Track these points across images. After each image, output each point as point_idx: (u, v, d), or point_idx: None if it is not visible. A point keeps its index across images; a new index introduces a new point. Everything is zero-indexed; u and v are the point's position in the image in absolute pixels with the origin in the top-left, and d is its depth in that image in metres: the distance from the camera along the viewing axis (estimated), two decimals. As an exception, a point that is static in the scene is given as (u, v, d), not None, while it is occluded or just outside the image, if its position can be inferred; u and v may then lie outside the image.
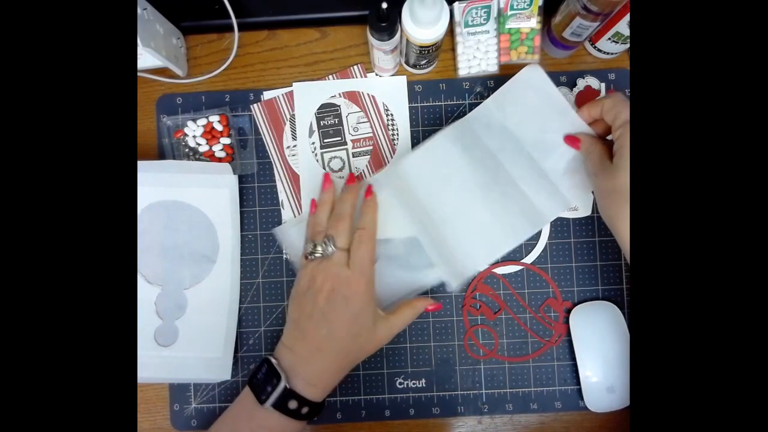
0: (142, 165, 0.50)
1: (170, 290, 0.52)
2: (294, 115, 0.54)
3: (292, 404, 0.41)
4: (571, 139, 0.46)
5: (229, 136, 0.53)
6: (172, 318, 0.52)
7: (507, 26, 0.52)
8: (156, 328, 0.52)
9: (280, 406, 0.41)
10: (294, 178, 0.54)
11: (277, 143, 0.54)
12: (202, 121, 0.53)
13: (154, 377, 0.52)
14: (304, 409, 0.42)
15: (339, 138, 0.54)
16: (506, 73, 0.54)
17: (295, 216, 0.53)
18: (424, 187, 0.50)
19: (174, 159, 0.53)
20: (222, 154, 0.53)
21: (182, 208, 0.52)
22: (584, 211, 0.53)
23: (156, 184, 0.51)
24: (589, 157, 0.44)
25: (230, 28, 0.53)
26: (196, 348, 0.52)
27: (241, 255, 0.53)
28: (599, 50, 0.52)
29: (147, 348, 0.51)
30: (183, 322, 0.52)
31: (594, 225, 0.53)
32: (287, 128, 0.54)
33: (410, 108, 0.54)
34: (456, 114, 0.54)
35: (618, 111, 0.41)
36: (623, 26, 0.47)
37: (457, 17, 0.51)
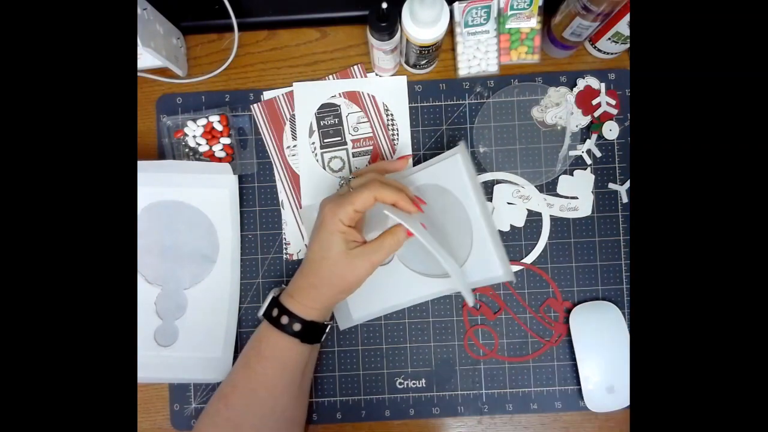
0: (142, 165, 0.50)
1: (170, 290, 0.52)
2: (294, 115, 0.54)
3: (275, 312, 0.44)
4: None
5: (229, 136, 0.53)
6: (172, 318, 0.52)
7: (507, 26, 0.52)
8: (156, 328, 0.52)
9: (268, 315, 0.45)
10: (294, 178, 0.54)
11: (277, 143, 0.54)
12: (202, 121, 0.53)
13: (154, 377, 0.52)
14: (296, 326, 0.44)
15: (339, 138, 0.54)
16: (506, 73, 0.54)
17: (295, 214, 0.53)
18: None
19: (174, 159, 0.53)
20: (222, 154, 0.53)
21: (182, 208, 0.52)
22: (584, 211, 0.53)
23: (156, 184, 0.52)
24: None
25: (230, 28, 0.53)
26: (196, 348, 0.52)
27: (241, 255, 0.53)
28: (599, 50, 0.52)
29: (147, 348, 0.51)
30: (183, 322, 0.52)
31: (594, 225, 0.53)
32: (287, 128, 0.54)
33: (410, 108, 0.54)
34: (456, 114, 0.54)
35: None
36: (623, 26, 0.47)
37: (457, 17, 0.51)
